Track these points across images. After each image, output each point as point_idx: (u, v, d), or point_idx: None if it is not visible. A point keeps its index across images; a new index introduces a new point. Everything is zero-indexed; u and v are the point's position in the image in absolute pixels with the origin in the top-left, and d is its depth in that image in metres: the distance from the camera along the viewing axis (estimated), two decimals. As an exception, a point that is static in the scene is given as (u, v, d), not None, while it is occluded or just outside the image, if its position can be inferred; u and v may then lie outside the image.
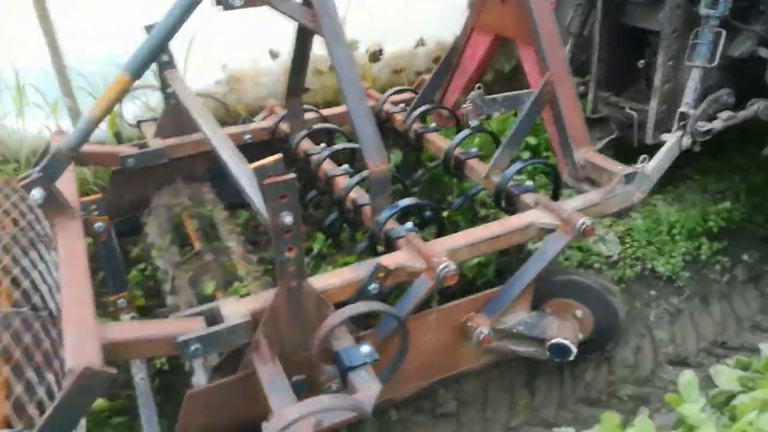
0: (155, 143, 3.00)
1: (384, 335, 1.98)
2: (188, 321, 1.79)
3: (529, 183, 2.50)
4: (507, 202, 2.50)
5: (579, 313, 2.33)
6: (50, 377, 1.60)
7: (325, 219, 2.83)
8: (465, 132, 2.81)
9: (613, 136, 3.56)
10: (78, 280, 1.87)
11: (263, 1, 2.14)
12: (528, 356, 2.32)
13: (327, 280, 1.96)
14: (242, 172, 2.02)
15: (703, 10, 2.84)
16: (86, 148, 2.78)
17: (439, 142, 3.00)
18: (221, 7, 2.13)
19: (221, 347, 1.80)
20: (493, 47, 2.98)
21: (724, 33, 2.84)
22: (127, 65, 2.10)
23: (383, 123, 3.38)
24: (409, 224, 2.24)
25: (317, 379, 1.85)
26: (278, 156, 1.60)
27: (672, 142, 2.92)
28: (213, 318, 1.82)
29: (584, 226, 2.16)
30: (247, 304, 1.86)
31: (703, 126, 3.00)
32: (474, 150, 2.82)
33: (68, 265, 1.94)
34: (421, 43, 4.55)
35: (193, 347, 1.72)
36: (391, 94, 3.40)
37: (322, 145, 2.97)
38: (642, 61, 3.44)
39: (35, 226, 2.20)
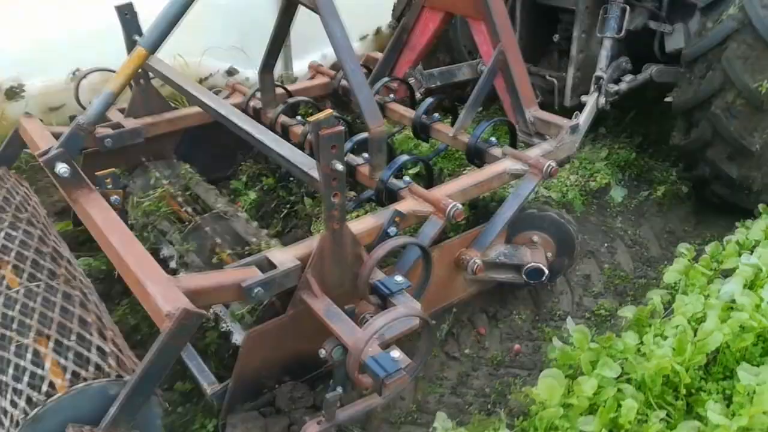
0: (130, 123, 3.05)
1: (406, 267, 2.30)
2: (246, 269, 1.99)
3: (492, 139, 2.92)
4: (476, 156, 2.91)
5: (542, 240, 2.79)
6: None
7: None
8: (429, 100, 3.16)
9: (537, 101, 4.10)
10: (129, 242, 2.00)
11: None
12: (507, 282, 2.75)
13: (355, 226, 2.24)
14: (267, 137, 2.22)
15: None
16: (57, 129, 2.82)
17: (400, 110, 3.33)
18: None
19: (277, 289, 2.02)
20: (443, 23, 3.36)
21: (628, 8, 3.44)
22: (144, 39, 2.21)
23: (341, 98, 3.66)
24: (407, 178, 2.57)
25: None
26: (329, 110, 1.85)
27: (592, 101, 3.49)
28: (264, 266, 2.04)
29: (551, 167, 2.62)
30: (293, 251, 2.10)
31: (612, 87, 3.62)
32: (436, 115, 3.19)
33: (112, 231, 2.05)
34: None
35: (255, 290, 1.94)
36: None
37: (298, 117, 3.19)
38: (556, 36, 4.00)
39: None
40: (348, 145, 2.75)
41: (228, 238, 2.64)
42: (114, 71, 3.08)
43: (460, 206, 2.32)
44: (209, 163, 3.40)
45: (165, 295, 1.74)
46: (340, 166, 1.90)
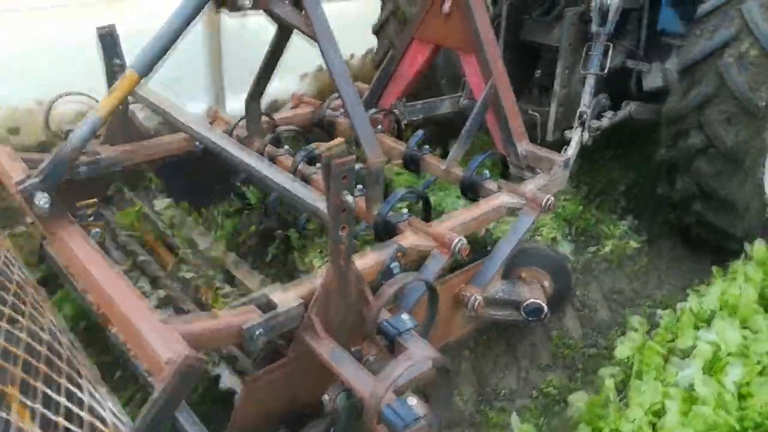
0: (106, 150, 2.88)
1: (410, 305, 2.19)
2: (246, 311, 1.85)
3: (486, 172, 2.88)
4: (471, 189, 2.86)
5: (542, 278, 2.74)
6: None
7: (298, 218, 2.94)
8: (419, 132, 3.12)
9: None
10: (117, 281, 1.83)
11: (266, 4, 2.25)
12: (505, 320, 2.67)
13: (356, 261, 2.13)
14: (267, 168, 2.11)
15: (594, 28, 3.49)
16: (29, 155, 2.64)
17: (389, 142, 3.27)
18: (226, 9, 2.20)
19: (279, 331, 1.88)
20: (432, 56, 3.35)
21: (611, 46, 3.52)
22: (135, 62, 2.08)
23: (327, 129, 3.58)
24: (405, 211, 2.49)
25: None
26: (341, 139, 1.77)
27: (577, 136, 3.52)
28: (264, 306, 1.90)
29: (549, 202, 2.59)
30: (294, 289, 1.97)
31: (595, 123, 3.67)
32: (427, 147, 3.14)
33: (98, 268, 1.88)
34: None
35: (257, 332, 1.80)
36: (334, 99, 3.60)
37: (286, 147, 3.09)
38: (538, 71, 4.05)
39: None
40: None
41: (214, 276, 2.48)
42: (88, 96, 2.97)
43: (465, 241, 2.25)
44: (189, 193, 3.25)
45: (163, 340, 1.58)
46: (350, 199, 1.81)
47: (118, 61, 2.84)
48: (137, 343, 1.64)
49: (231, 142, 2.26)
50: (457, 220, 2.48)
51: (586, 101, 3.62)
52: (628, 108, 3.84)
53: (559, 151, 3.09)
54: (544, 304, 2.61)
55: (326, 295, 1.94)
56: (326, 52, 2.40)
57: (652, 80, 3.82)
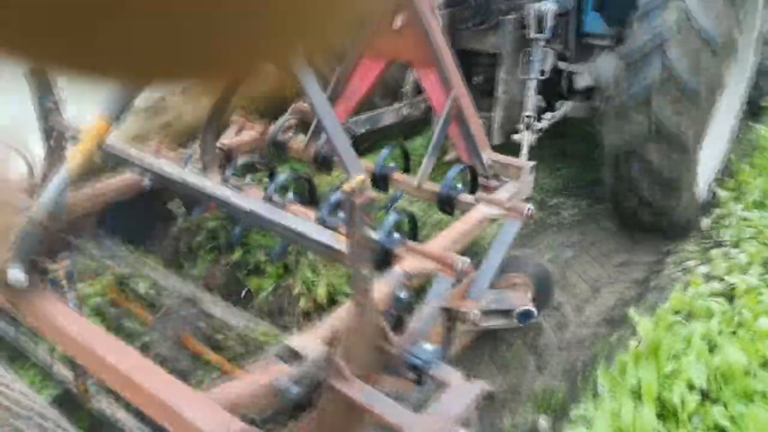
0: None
1: (425, 331, 2.16)
2: (271, 366, 1.73)
3: (460, 185, 2.90)
4: (447, 204, 2.86)
5: (521, 281, 2.80)
6: None
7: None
8: (385, 150, 3.08)
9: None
10: (126, 352, 1.64)
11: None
12: (499, 328, 2.71)
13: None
14: (264, 208, 1.99)
15: (533, 34, 3.63)
16: None
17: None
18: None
19: (311, 382, 1.78)
20: (385, 71, 3.32)
21: (550, 51, 3.67)
22: (104, 110, 1.88)
23: (278, 151, 3.45)
24: (396, 235, 2.44)
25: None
26: (361, 177, 1.70)
27: (526, 140, 3.65)
28: (288, 358, 1.79)
29: (530, 211, 2.65)
30: (315, 334, 1.87)
31: (537, 125, 3.82)
32: (393, 164, 3.11)
33: (100, 342, 1.67)
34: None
35: (293, 389, 1.70)
36: (284, 122, 3.48)
37: (249, 176, 2.93)
38: (478, 78, 4.16)
39: None
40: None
41: (204, 325, 2.31)
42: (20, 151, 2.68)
43: (468, 260, 2.25)
44: (139, 235, 3.01)
45: (206, 415, 1.44)
46: (373, 235, 1.75)
47: (52, 100, 2.56)
48: (174, 421, 1.47)
49: (212, 184, 2.11)
50: (447, 238, 2.48)
51: (530, 105, 3.76)
52: (564, 108, 4.04)
53: (504, 154, 3.18)
54: (533, 309, 2.68)
55: (349, 335, 1.86)
56: (306, 83, 2.31)
57: (583, 80, 4.05)
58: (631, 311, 3.04)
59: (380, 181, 3.08)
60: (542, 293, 2.88)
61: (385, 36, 3.14)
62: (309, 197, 3.10)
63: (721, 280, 3.22)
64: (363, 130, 3.93)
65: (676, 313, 2.96)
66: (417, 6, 2.93)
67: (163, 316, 2.38)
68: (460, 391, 1.78)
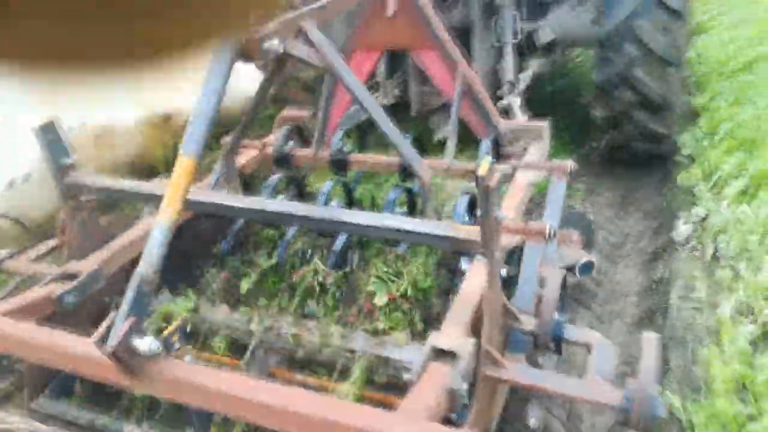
0: (78, 267, 2.35)
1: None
2: (435, 372, 1.68)
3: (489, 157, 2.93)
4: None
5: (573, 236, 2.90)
6: None
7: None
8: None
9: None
10: (288, 392, 1.54)
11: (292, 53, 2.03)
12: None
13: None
14: (364, 217, 1.91)
15: (498, 0, 3.70)
16: None
17: (362, 157, 3.17)
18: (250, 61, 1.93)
19: (472, 376, 1.75)
20: (378, 60, 3.26)
21: (517, 14, 3.76)
22: (185, 148, 1.73)
23: (284, 165, 3.32)
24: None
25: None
26: (488, 158, 1.68)
27: (517, 103, 3.73)
28: (446, 359, 1.75)
29: (573, 166, 2.72)
30: (454, 328, 1.83)
31: (520, 87, 3.92)
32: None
33: (261, 389, 1.55)
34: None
35: (465, 388, 1.67)
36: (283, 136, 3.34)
37: (281, 196, 2.81)
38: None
39: None
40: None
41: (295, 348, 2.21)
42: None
43: (554, 225, 2.29)
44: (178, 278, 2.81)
45: (417, 428, 1.39)
46: (502, 216, 1.74)
47: (66, 159, 2.32)
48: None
49: (275, 202, 2.01)
50: (511, 208, 2.50)
51: (511, 69, 3.85)
52: (534, 65, 4.16)
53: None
54: (591, 259, 2.77)
55: (490, 320, 1.84)
56: (350, 84, 2.24)
57: (545, 36, 4.18)
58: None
59: (402, 171, 3.05)
60: (588, 242, 2.99)
61: (378, 25, 3.08)
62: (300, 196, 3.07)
63: (754, 318, 2.50)
64: (347, 127, 3.87)
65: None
66: (409, -12, 2.89)
67: (251, 358, 2.25)
68: (604, 350, 1.82)
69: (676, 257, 3.31)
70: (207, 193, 2.23)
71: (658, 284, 3.28)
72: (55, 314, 2.22)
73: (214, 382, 1.58)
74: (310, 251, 2.62)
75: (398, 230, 1.88)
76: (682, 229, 3.40)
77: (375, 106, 2.31)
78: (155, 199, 2.43)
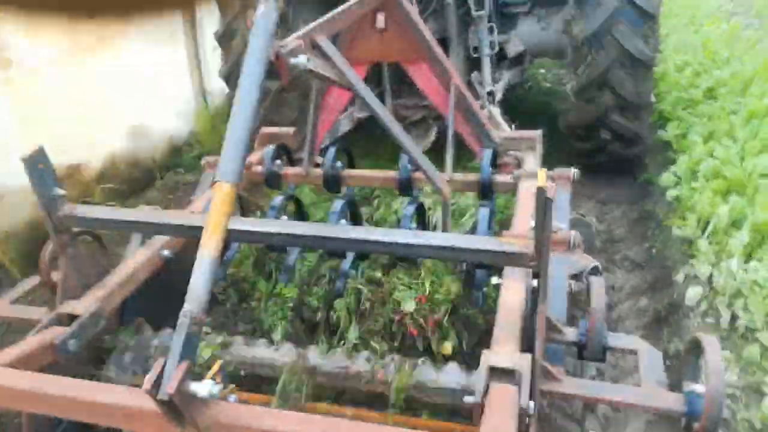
0: (74, 307, 2.15)
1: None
2: (499, 395, 1.63)
3: (490, 168, 2.93)
4: (489, 189, 2.87)
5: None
6: None
7: None
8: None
9: (435, 129, 4.21)
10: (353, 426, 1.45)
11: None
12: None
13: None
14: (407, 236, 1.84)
15: (474, 12, 3.73)
16: None
17: (356, 173, 3.09)
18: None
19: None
20: (365, 74, 3.20)
21: (494, 27, 3.80)
22: (223, 173, 1.60)
23: (274, 185, 3.19)
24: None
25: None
26: (545, 170, 1.66)
27: (497, 113, 3.77)
28: (514, 381, 1.70)
29: (575, 174, 2.76)
30: (503, 346, 1.79)
31: (497, 97, 3.97)
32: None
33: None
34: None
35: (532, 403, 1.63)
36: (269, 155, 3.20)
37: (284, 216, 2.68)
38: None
39: None
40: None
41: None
42: None
43: (578, 233, 2.30)
44: (164, 315, 2.62)
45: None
46: (559, 226, 1.72)
47: (58, 190, 2.11)
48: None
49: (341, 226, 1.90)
50: (526, 219, 2.50)
51: (489, 80, 3.89)
52: (506, 75, 4.23)
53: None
54: (596, 263, 2.81)
55: (541, 334, 1.82)
56: (366, 95, 2.17)
57: (514, 47, 4.26)
58: None
59: (402, 185, 3.00)
60: (589, 245, 3.04)
61: (368, 38, 3.02)
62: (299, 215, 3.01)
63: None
64: (327, 143, 3.79)
65: None
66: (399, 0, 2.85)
67: (281, 393, 2.12)
68: (651, 356, 1.83)
69: (686, 324, 3.01)
70: (252, 222, 2.08)
71: (673, 359, 2.85)
72: (56, 363, 2.00)
73: (282, 423, 1.47)
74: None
75: (450, 248, 1.81)
76: (691, 293, 3.06)
77: (392, 121, 2.24)
78: (153, 228, 2.27)
